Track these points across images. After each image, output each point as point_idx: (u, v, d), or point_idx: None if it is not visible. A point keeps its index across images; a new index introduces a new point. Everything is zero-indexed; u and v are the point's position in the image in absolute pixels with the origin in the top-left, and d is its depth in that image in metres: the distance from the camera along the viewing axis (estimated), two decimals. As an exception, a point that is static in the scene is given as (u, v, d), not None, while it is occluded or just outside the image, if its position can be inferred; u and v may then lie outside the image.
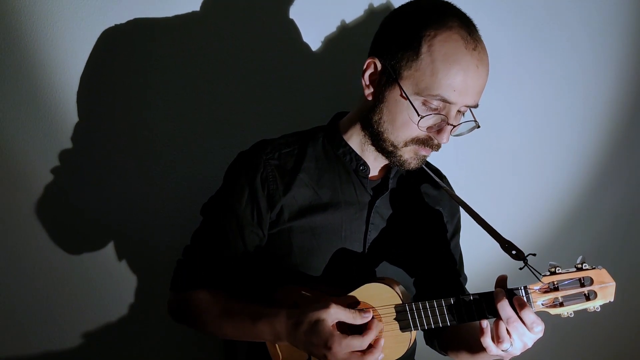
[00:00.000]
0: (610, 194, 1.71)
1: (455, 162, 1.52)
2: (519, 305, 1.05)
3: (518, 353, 1.10)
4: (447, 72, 1.09)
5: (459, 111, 1.14)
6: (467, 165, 1.63)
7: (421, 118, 1.12)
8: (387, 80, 1.15)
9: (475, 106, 1.16)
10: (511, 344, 1.06)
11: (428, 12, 1.13)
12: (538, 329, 1.05)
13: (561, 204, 1.70)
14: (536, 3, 1.57)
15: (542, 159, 1.67)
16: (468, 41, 1.10)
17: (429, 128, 1.14)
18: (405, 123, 1.14)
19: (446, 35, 1.09)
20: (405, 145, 1.16)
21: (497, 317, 1.07)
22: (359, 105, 1.25)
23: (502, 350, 1.08)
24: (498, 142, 1.64)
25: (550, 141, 1.66)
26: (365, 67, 1.18)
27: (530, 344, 1.08)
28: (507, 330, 1.06)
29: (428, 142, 1.16)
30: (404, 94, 1.12)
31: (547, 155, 1.67)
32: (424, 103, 1.11)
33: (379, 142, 1.19)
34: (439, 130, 1.14)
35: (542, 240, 1.68)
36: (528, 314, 1.05)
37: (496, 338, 1.07)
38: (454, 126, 1.14)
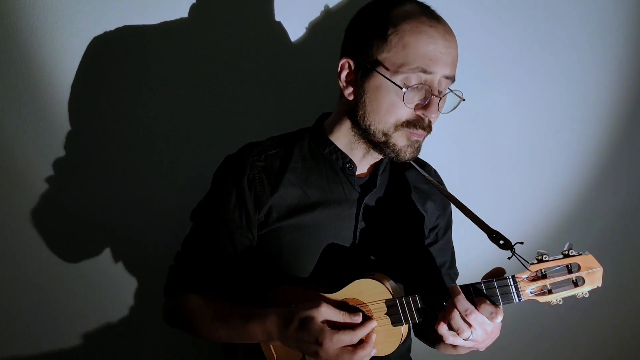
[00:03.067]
0: (610, 194, 1.68)
1: (454, 161, 1.51)
2: (477, 301, 1.07)
3: (482, 340, 1.11)
4: (417, 43, 1.12)
5: (439, 90, 1.16)
6: (467, 165, 1.62)
7: (406, 91, 1.13)
8: (362, 73, 1.17)
9: (453, 79, 1.17)
10: (472, 333, 1.08)
11: (386, 2, 1.18)
12: (499, 320, 1.07)
13: (561, 203, 1.68)
14: (535, 2, 1.57)
15: (541, 159, 1.66)
16: (429, 17, 1.15)
17: (416, 106, 1.15)
18: (390, 106, 1.15)
19: (407, 13, 1.15)
20: (396, 129, 1.17)
21: (448, 307, 1.09)
22: (340, 107, 1.26)
23: (464, 339, 1.09)
24: (497, 141, 1.64)
25: (550, 140, 1.65)
26: (339, 69, 1.21)
27: (492, 330, 1.10)
28: (465, 320, 1.07)
29: (419, 123, 1.16)
30: (384, 77, 1.14)
31: (547, 154, 1.65)
32: (404, 81, 1.13)
33: (369, 136, 1.20)
34: (425, 106, 1.15)
35: (542, 240, 1.66)
36: (485, 307, 1.07)
37: (455, 330, 1.08)
38: (440, 98, 1.15)
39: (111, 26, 1.47)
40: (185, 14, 1.50)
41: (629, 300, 1.71)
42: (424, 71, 1.13)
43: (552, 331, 1.73)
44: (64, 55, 1.47)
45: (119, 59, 1.49)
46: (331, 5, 1.53)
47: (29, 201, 1.54)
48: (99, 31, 1.47)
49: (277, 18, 1.52)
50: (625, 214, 1.70)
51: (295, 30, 1.53)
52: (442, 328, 1.10)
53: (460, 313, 1.07)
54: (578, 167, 1.67)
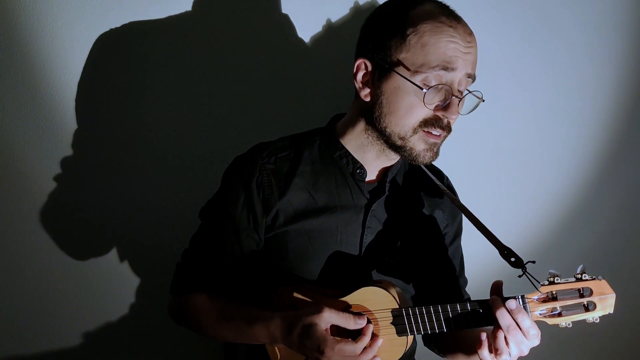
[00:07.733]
0: (610, 197, 1.69)
1: (454, 163, 1.50)
2: (513, 310, 1.05)
3: None
4: (438, 42, 1.09)
5: (459, 90, 1.13)
6: (466, 167, 1.62)
7: (427, 91, 1.10)
8: (380, 74, 1.15)
9: (474, 77, 1.15)
10: (509, 354, 1.06)
11: (404, 2, 1.15)
12: (533, 333, 1.06)
13: (561, 206, 1.68)
14: (535, 3, 1.56)
15: (541, 161, 1.65)
16: (449, 16, 1.12)
17: (436, 107, 1.13)
18: (409, 107, 1.12)
19: (427, 12, 1.12)
20: (415, 132, 1.14)
21: (495, 326, 1.07)
22: (354, 108, 1.24)
23: None
24: (497, 144, 1.63)
25: (550, 143, 1.65)
26: (355, 70, 1.18)
27: (526, 352, 1.08)
28: (505, 339, 1.05)
29: (437, 122, 1.13)
30: (404, 77, 1.11)
31: (547, 157, 1.65)
32: (424, 82, 1.11)
33: (385, 138, 1.17)
34: (445, 107, 1.13)
35: (541, 243, 1.67)
36: (524, 319, 1.05)
37: (495, 350, 1.07)
38: (460, 99, 1.13)
39: (113, 26, 1.45)
40: (189, 12, 1.48)
41: (629, 301, 1.72)
42: (445, 69, 1.10)
43: (551, 331, 1.74)
44: (65, 55, 1.45)
45: (121, 59, 1.48)
46: (336, 4, 1.50)
47: (29, 201, 1.53)
48: (101, 31, 1.45)
49: (281, 18, 1.50)
50: (626, 217, 1.71)
51: (300, 30, 1.52)
52: (484, 352, 1.08)
53: (502, 329, 1.05)
54: (578, 169, 1.67)
